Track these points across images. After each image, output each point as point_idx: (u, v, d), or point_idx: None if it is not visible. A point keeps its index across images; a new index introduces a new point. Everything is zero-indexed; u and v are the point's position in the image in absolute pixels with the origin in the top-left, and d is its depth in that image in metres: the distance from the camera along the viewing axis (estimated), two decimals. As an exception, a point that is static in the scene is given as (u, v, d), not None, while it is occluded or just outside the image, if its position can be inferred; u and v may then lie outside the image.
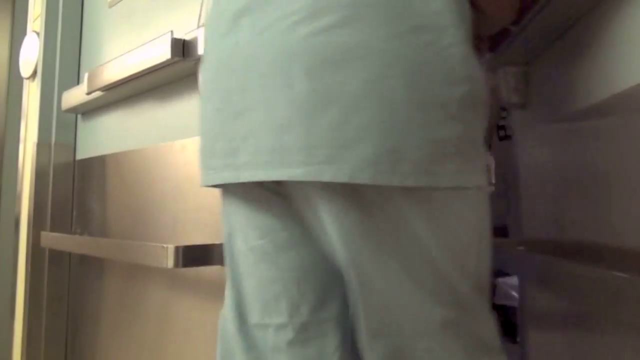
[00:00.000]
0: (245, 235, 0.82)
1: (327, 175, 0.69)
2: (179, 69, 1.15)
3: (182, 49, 1.07)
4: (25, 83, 1.99)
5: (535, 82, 1.06)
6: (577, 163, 0.92)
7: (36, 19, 1.95)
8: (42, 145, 1.85)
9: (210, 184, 0.81)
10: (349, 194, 0.72)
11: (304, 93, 0.70)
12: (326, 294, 0.81)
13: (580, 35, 0.90)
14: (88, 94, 1.45)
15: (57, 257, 1.79)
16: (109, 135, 1.63)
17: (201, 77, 0.87)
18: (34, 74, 1.92)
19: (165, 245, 1.00)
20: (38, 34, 1.89)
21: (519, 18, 0.90)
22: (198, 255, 1.02)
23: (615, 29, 0.81)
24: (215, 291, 1.09)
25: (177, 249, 0.99)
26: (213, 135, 0.80)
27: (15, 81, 2.41)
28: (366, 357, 0.80)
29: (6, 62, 2.66)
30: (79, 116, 1.84)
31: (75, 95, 1.66)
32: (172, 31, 1.06)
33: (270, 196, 0.80)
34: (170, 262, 0.98)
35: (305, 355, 0.80)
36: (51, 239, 1.66)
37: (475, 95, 0.74)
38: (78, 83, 1.85)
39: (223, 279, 1.06)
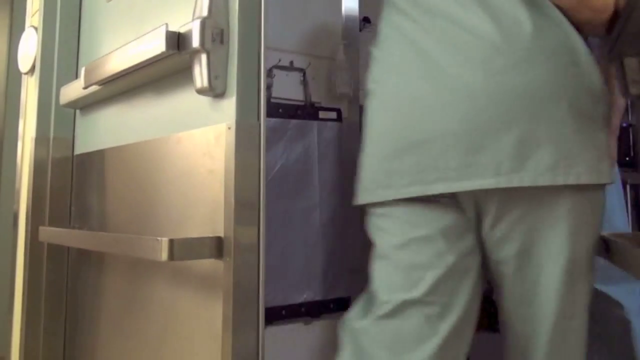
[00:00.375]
0: (402, 230, 1.02)
1: (515, 181, 0.90)
2: (175, 63, 1.15)
3: (177, 42, 1.07)
4: (24, 78, 1.99)
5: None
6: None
7: (34, 13, 1.95)
8: (41, 139, 1.85)
9: (394, 198, 1.01)
10: (528, 195, 0.94)
11: (489, 121, 0.91)
12: (461, 280, 1.00)
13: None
14: (85, 88, 1.45)
15: (56, 251, 1.79)
16: (106, 129, 1.62)
17: (372, 104, 1.08)
18: (32, 69, 1.91)
19: (159, 238, 1.00)
20: (36, 28, 1.89)
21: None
22: (192, 248, 1.02)
23: None
24: (210, 283, 1.09)
25: (170, 241, 0.99)
26: (393, 158, 1.00)
27: (13, 76, 2.41)
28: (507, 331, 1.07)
29: (5, 57, 2.66)
30: (78, 111, 1.84)
31: (73, 90, 1.66)
32: (166, 24, 1.06)
33: (432, 199, 1.00)
34: (164, 255, 0.98)
35: (428, 327, 0.98)
36: (48, 233, 1.66)
37: (606, 109, 0.99)
38: (77, 78, 1.85)
39: (216, 272, 1.06)
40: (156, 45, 1.05)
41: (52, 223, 1.78)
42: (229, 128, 1.02)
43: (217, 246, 1.03)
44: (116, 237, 1.17)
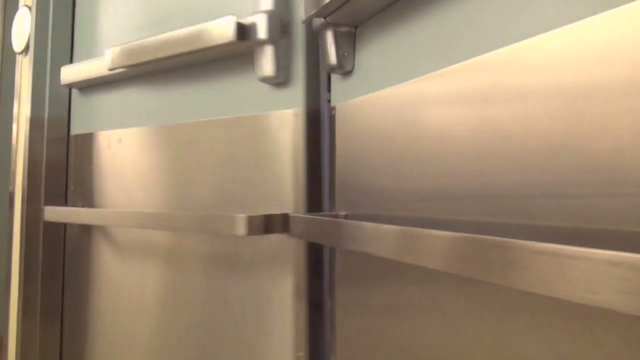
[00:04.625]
0: None
1: None
2: (229, 49, 1.20)
3: (243, 32, 1.13)
4: (18, 58, 1.96)
5: (362, 48, 1.01)
6: (395, 137, 0.89)
7: (28, -8, 1.92)
8: (35, 120, 1.84)
9: None
10: None
11: None
12: None
13: (412, 5, 0.87)
14: (111, 70, 1.47)
15: (52, 231, 1.81)
16: (124, 110, 1.63)
17: None
18: (26, 49, 1.89)
19: (238, 215, 1.07)
20: (30, 8, 1.86)
21: None
22: (263, 225, 1.11)
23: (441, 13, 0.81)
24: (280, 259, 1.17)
25: (248, 218, 1.07)
26: None
27: (8, 56, 2.35)
28: None
29: (-2, 37, 2.57)
30: (76, 91, 1.84)
31: (76, 72, 1.66)
32: (235, 15, 1.12)
33: None
34: (242, 230, 1.06)
35: None
36: (55, 213, 1.67)
37: None
38: (71, 57, 1.86)
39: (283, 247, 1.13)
40: (224, 35, 1.11)
41: (47, 203, 1.80)
42: (296, 115, 1.11)
43: (284, 223, 1.11)
44: (192, 216, 1.19)
